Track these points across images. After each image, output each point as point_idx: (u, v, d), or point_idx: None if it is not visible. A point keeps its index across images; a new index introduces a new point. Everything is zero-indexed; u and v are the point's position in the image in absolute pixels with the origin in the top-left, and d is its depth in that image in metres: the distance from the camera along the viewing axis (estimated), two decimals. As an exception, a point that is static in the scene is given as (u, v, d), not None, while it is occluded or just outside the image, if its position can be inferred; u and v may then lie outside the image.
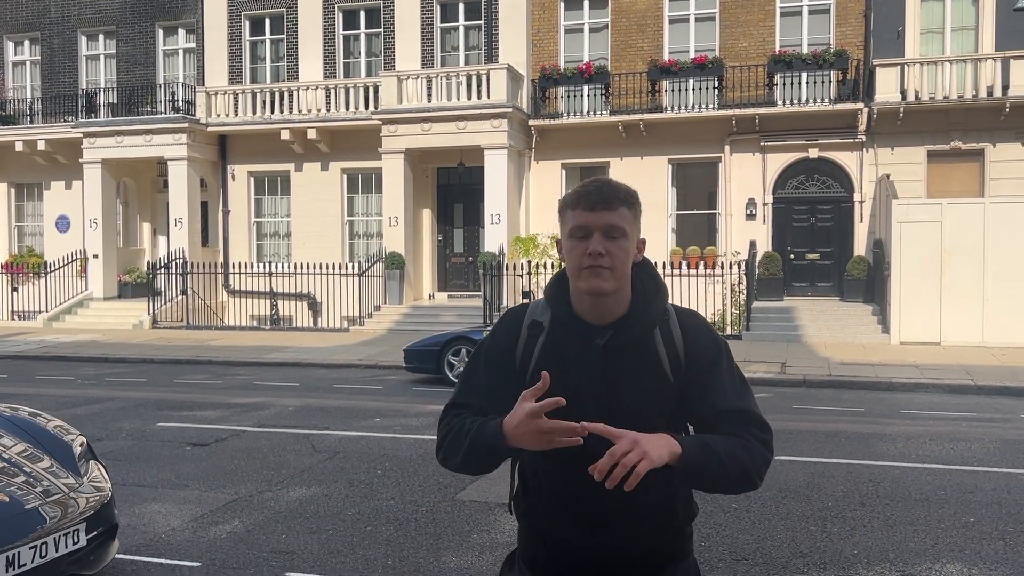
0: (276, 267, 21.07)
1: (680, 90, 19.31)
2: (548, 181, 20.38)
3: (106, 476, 4.88)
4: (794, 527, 5.61)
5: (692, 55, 19.49)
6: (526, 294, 18.15)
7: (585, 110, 19.81)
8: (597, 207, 1.86)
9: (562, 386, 1.86)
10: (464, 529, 5.67)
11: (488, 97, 19.02)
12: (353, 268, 20.23)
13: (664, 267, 18.46)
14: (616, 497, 1.77)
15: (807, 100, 18.69)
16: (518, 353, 1.99)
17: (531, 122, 19.92)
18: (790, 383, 12.46)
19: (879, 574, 4.77)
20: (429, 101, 19.46)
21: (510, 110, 18.83)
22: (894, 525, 5.63)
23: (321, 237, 21.42)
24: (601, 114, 19.66)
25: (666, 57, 19.59)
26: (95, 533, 4.37)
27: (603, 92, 19.72)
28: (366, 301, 19.69)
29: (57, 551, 4.13)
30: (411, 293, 20.24)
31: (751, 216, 19.35)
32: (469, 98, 19.20)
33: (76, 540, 4.27)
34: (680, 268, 18.94)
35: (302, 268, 20.15)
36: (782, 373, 12.96)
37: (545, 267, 18.54)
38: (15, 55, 24.12)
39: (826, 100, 18.63)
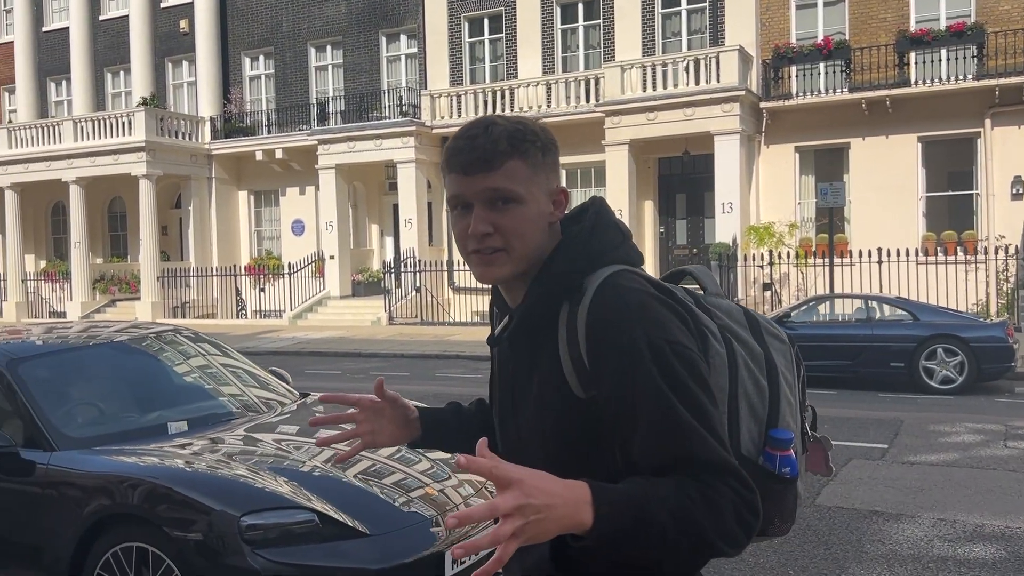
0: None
1: (931, 61, 17.74)
2: (780, 166, 19.35)
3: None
4: None
5: (943, 23, 17.86)
6: (767, 286, 17.30)
7: (822, 88, 18.63)
8: (472, 169, 1.34)
9: (496, 385, 1.52)
10: (850, 538, 5.17)
11: (718, 81, 18.27)
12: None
13: (913, 254, 17.03)
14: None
15: (1086, 63, 16.65)
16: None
17: (762, 104, 18.96)
18: (1106, 381, 11.01)
19: None
20: (654, 89, 18.97)
21: (742, 93, 18.00)
22: None
23: (542, 233, 21.40)
24: (840, 92, 18.41)
25: (913, 26, 18.08)
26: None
27: (843, 68, 18.45)
28: (593, 296, 19.46)
29: (477, 555, 4.00)
30: (636, 287, 19.80)
31: (1017, 196, 17.47)
32: (697, 83, 18.52)
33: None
34: (933, 255, 17.44)
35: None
36: (1092, 370, 11.48)
37: (784, 257, 17.58)
38: (251, 70, 25.80)
39: (1110, 61, 16.52)
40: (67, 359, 4.61)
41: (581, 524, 1.12)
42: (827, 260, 17.57)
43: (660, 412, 1.22)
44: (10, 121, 28.39)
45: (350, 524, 3.52)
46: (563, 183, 1.43)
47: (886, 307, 11.33)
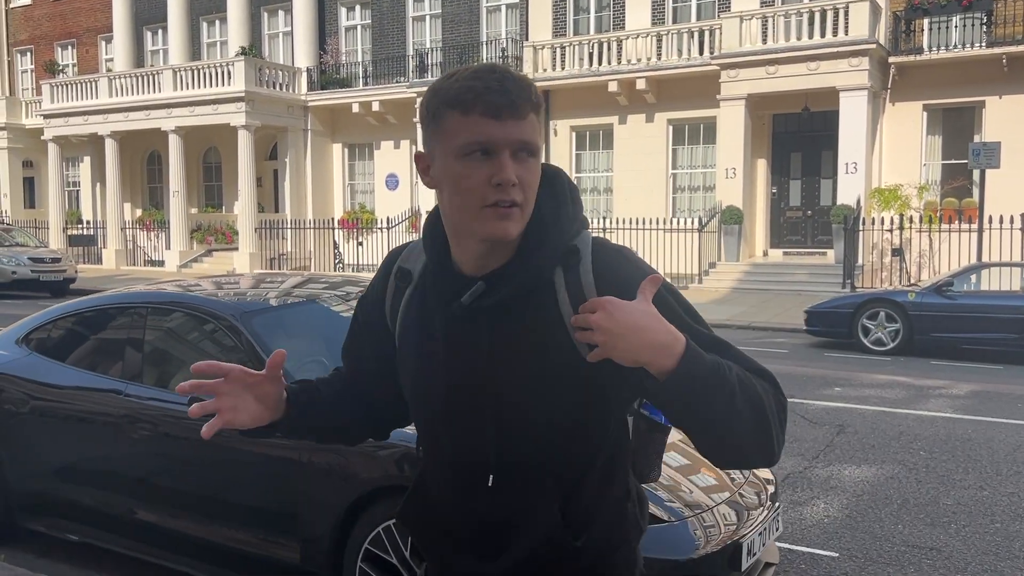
0: (595, 223, 20.71)
1: (1083, 13, 16.47)
2: (906, 124, 18.32)
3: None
4: None
5: (1098, -30, 16.54)
6: (896, 251, 16.45)
7: (957, 42, 17.48)
8: (504, 114, 1.26)
9: (425, 368, 1.42)
10: (1126, 536, 4.64)
11: (845, 33, 17.28)
12: (677, 223, 19.40)
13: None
14: (509, 508, 1.37)
15: None
16: (387, 308, 1.51)
17: (890, 59, 17.90)
18: None
19: None
20: (775, 42, 18.05)
21: (872, 47, 16.99)
22: None
23: (645, 192, 20.76)
24: (978, 46, 17.25)
25: (1063, -25, 16.78)
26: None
27: (982, 22, 17.27)
28: (701, 258, 18.81)
29: (770, 537, 3.62)
30: (746, 249, 19.13)
31: None
32: (822, 35, 17.55)
33: (778, 526, 3.76)
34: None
35: (629, 223, 19.56)
36: None
37: (914, 222, 16.66)
38: (347, 20, 25.45)
39: None
40: (292, 314, 4.32)
41: (671, 351, 1.17)
42: (957, 225, 16.71)
43: (694, 333, 1.25)
44: (108, 70, 28.66)
45: (654, 511, 3.16)
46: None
47: (1055, 277, 10.55)
